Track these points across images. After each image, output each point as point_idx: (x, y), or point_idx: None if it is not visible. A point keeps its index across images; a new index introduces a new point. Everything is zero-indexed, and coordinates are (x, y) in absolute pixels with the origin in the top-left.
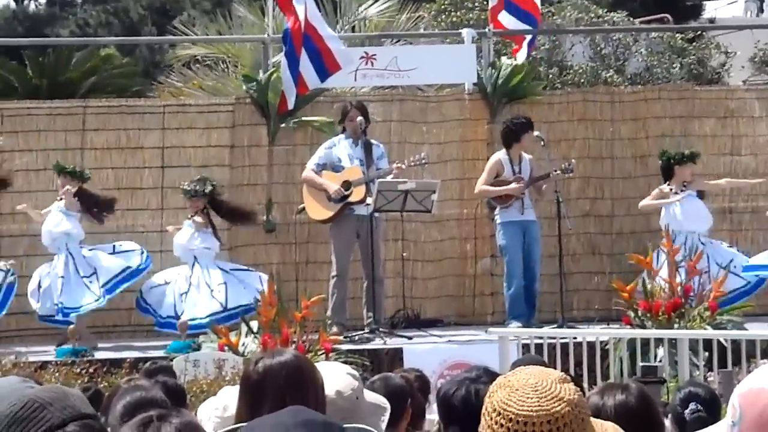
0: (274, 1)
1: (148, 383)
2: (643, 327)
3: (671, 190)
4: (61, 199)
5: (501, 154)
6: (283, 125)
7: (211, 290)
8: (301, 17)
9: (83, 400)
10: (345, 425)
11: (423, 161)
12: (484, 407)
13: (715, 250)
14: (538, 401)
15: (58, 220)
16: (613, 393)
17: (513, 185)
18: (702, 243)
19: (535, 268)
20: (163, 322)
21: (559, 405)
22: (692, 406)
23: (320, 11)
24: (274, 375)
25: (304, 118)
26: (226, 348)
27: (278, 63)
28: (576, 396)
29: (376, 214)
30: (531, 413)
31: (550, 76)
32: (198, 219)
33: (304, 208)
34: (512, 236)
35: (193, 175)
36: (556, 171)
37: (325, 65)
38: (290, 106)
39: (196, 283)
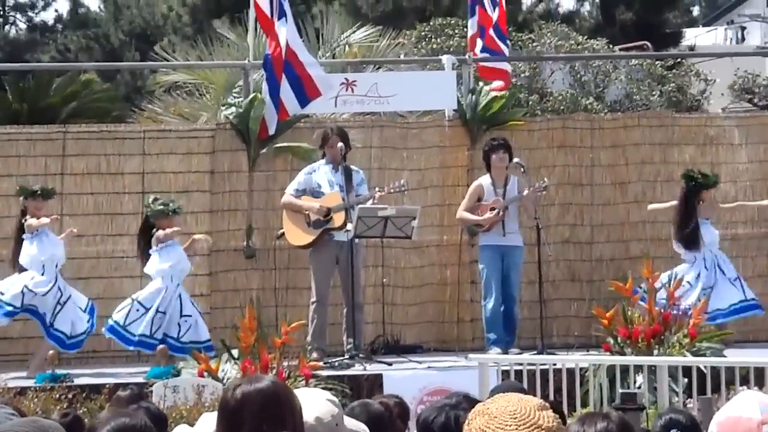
0: (257, 24)
1: (131, 410)
2: (623, 354)
3: None
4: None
5: (483, 179)
6: (263, 151)
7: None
8: (282, 42)
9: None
10: None
11: (403, 188)
12: None
13: (727, 264)
14: (517, 428)
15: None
16: (594, 421)
17: (487, 215)
18: (716, 257)
19: (515, 293)
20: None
21: None
22: None
23: (302, 38)
24: (252, 401)
25: (284, 144)
26: (205, 374)
27: (259, 88)
28: (555, 423)
29: (356, 240)
30: None
31: (530, 102)
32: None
33: (283, 234)
34: (490, 259)
35: (174, 200)
36: (529, 188)
37: (305, 91)
38: (271, 131)
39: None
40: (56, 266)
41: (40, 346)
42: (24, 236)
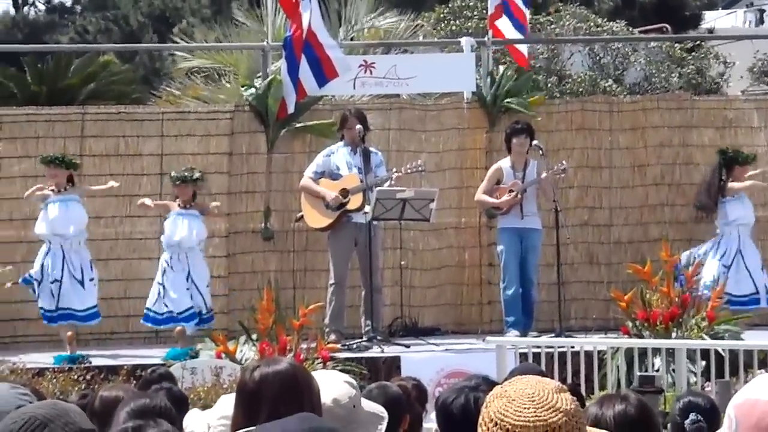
0: (279, 5)
1: (152, 391)
2: (641, 336)
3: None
4: (54, 190)
5: (503, 162)
6: (282, 132)
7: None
8: (305, 24)
9: (82, 415)
10: None
11: (420, 168)
12: (480, 417)
13: (753, 250)
14: (535, 411)
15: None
16: (612, 403)
17: (505, 197)
18: (741, 239)
19: (532, 276)
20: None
21: (556, 415)
22: (692, 416)
23: (325, 20)
24: (270, 383)
25: (303, 124)
26: (223, 355)
27: (278, 70)
28: (573, 406)
29: (375, 223)
30: (528, 423)
31: (549, 85)
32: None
33: (302, 216)
34: (509, 242)
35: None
36: (548, 171)
37: (323, 71)
38: (290, 110)
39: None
40: (66, 240)
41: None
42: (40, 206)
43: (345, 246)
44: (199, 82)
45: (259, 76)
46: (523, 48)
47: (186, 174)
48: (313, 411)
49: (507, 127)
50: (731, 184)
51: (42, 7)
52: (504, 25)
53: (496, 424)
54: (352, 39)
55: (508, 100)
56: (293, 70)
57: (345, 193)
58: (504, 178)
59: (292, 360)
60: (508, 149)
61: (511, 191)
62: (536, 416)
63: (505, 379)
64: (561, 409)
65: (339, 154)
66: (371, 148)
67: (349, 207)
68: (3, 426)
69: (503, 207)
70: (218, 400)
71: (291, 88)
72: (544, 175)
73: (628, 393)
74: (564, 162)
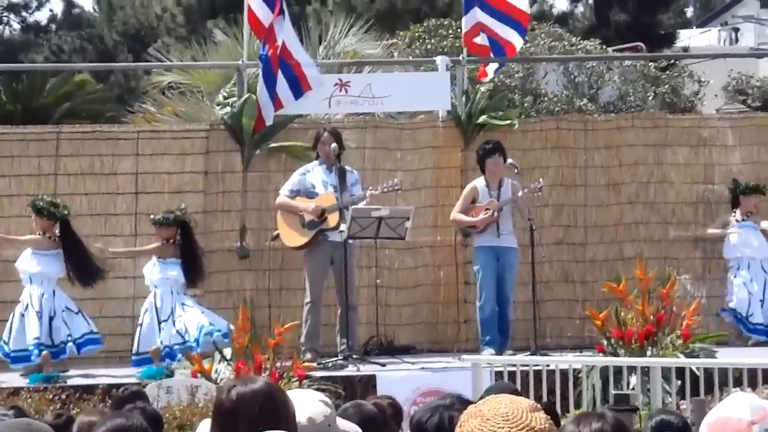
0: (249, 27)
1: (126, 410)
2: (616, 355)
3: (734, 218)
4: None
5: (477, 181)
6: (260, 149)
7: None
8: (279, 41)
9: None
10: None
11: (396, 187)
12: None
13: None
14: (509, 430)
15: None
16: (588, 422)
17: (481, 216)
18: (764, 270)
19: (509, 294)
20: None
21: None
22: None
23: (304, 42)
24: (247, 402)
25: (278, 144)
26: (199, 375)
27: (254, 87)
28: (546, 425)
29: (350, 241)
30: None
31: (524, 103)
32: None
33: (278, 235)
34: (485, 260)
35: (167, 201)
36: (524, 189)
37: (300, 84)
38: (268, 122)
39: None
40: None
41: None
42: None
43: (321, 264)
44: (175, 98)
45: (231, 84)
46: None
47: (167, 216)
48: (288, 430)
49: (478, 148)
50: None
51: (17, 26)
52: (482, 41)
53: None
54: (328, 57)
55: (484, 116)
56: (270, 83)
57: (322, 212)
58: (479, 197)
59: (267, 378)
60: (481, 170)
61: (487, 210)
62: None
63: (481, 398)
64: (535, 428)
65: (315, 173)
66: (347, 167)
67: (326, 226)
68: None
69: (479, 226)
70: (200, 424)
71: (267, 98)
72: (520, 193)
73: (605, 411)
74: (541, 180)
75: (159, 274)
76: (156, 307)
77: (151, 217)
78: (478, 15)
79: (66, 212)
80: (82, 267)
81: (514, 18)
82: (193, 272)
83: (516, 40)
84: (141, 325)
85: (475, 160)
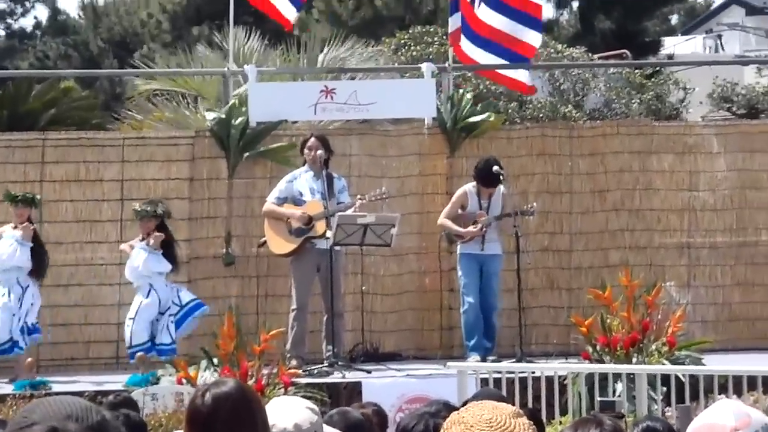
0: (236, 31)
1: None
2: (602, 362)
3: None
4: (16, 227)
5: (468, 187)
6: (245, 156)
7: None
8: None
9: None
10: None
11: (384, 196)
12: None
13: None
14: None
15: (11, 250)
16: (587, 428)
17: (470, 228)
18: None
19: (494, 301)
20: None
21: None
22: None
23: (282, 46)
24: (224, 404)
25: (263, 149)
26: (184, 381)
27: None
28: (530, 431)
29: (336, 248)
30: None
31: (510, 110)
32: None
33: (265, 242)
34: (468, 267)
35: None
36: (516, 213)
37: None
38: (292, 20)
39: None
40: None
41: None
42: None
43: (308, 271)
44: (161, 105)
45: (219, 103)
46: (523, 74)
47: (148, 208)
48: (264, 429)
49: (480, 170)
50: None
51: (2, 32)
52: (466, 45)
53: None
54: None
55: (469, 120)
56: None
57: (309, 219)
58: (469, 203)
59: (236, 379)
60: (477, 181)
61: (475, 223)
62: None
63: (464, 404)
64: None
65: (302, 180)
66: (334, 174)
67: (313, 233)
68: None
69: (465, 237)
70: None
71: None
72: (512, 218)
73: (603, 417)
74: (534, 204)
75: (154, 268)
76: (160, 300)
77: (136, 207)
78: (486, 17)
79: (38, 197)
80: (42, 258)
81: (528, 13)
82: (175, 260)
83: (533, 38)
84: (134, 319)
85: (474, 173)
